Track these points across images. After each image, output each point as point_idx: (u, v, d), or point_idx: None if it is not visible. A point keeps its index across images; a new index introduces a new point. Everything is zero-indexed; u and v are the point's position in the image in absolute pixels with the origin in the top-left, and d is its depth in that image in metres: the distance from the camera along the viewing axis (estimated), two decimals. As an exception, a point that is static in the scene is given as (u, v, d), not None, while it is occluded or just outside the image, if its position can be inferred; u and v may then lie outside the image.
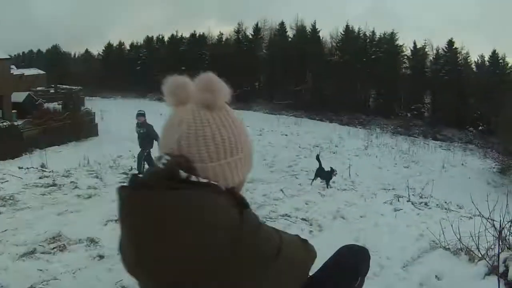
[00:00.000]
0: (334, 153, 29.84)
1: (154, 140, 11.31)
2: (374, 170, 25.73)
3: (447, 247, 5.46)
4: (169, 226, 1.18)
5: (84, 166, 16.01)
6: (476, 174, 29.94)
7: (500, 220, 4.99)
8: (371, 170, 25.29)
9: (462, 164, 31.95)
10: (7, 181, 8.39)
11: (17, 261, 4.49)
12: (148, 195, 1.24)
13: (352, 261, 1.95)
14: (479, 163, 33.60)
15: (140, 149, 12.25)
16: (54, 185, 8.23)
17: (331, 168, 15.01)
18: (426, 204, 12.00)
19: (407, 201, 11.89)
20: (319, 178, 14.83)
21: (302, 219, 7.39)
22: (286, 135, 36.24)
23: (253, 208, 4.44)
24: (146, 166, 11.67)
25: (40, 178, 8.89)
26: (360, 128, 45.17)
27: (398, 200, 11.43)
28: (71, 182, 8.38)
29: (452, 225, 5.84)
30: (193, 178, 1.26)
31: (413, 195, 14.87)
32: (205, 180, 1.28)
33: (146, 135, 11.79)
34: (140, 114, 12.33)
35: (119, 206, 1.39)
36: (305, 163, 26.02)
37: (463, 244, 5.25)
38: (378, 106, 55.28)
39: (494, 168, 31.88)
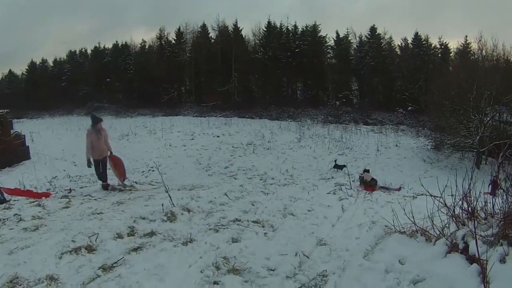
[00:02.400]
0: (267, 149, 29.90)
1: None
2: (310, 161, 26.03)
3: (402, 230, 5.44)
4: None
5: None
6: (411, 153, 30.72)
7: (453, 199, 5.01)
8: (307, 162, 25.58)
9: (396, 145, 32.65)
10: None
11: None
12: None
13: None
14: (413, 142, 34.38)
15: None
16: None
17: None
18: None
19: (349, 189, 11.89)
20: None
21: (254, 221, 7.33)
22: (218, 136, 35.96)
23: (202, 217, 5.81)
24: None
25: None
26: (290, 121, 45.24)
27: (341, 189, 11.40)
28: (14, 214, 7.73)
29: (404, 208, 5.72)
30: None
31: (353, 181, 14.99)
32: None
33: None
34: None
35: None
36: (241, 162, 25.97)
37: (417, 226, 5.23)
38: (306, 98, 55.55)
39: (428, 145, 32.71)
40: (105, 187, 11.91)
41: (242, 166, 24.18)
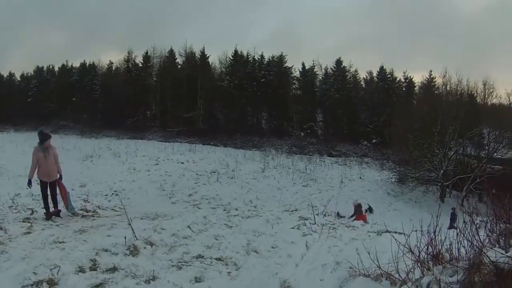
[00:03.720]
0: (231, 178, 29.94)
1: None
2: (274, 191, 26.09)
3: (367, 273, 5.35)
4: None
5: None
6: (375, 186, 31.08)
7: (417, 242, 4.95)
8: (271, 192, 25.62)
9: (360, 178, 33.05)
10: None
11: None
12: None
13: None
14: (377, 175, 34.88)
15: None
16: None
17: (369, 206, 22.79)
18: (332, 224, 12.02)
19: (313, 224, 11.87)
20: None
21: (217, 259, 7.22)
22: (182, 162, 35.89)
23: (165, 251, 5.90)
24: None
25: None
26: (255, 150, 45.49)
27: (305, 225, 11.40)
28: None
29: (368, 249, 5.73)
30: None
31: (317, 214, 14.97)
32: None
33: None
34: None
35: None
36: (204, 190, 25.87)
37: (382, 269, 5.11)
38: (271, 128, 55.75)
39: (392, 178, 33.07)
40: (49, 216, 10.80)
41: (206, 195, 24.13)
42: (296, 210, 18.66)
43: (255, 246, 8.15)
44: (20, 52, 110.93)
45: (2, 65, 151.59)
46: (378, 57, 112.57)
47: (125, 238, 7.13)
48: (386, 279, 5.00)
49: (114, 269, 5.99)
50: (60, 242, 7.39)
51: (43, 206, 11.21)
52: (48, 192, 11.10)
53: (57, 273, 5.48)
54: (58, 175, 11.31)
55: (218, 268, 6.69)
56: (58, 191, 11.37)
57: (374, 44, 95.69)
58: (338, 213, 20.20)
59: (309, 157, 41.42)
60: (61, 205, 11.77)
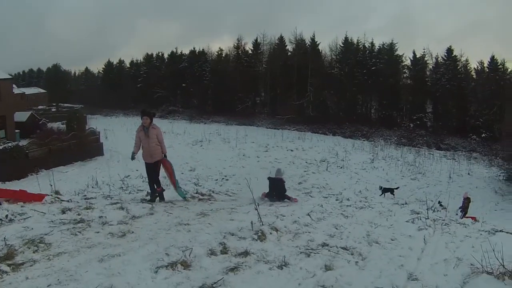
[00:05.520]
0: (341, 167, 30.01)
1: None
2: (383, 183, 25.60)
3: (490, 271, 5.40)
4: None
5: (93, 187, 16.02)
6: (483, 183, 30.02)
7: None
8: (380, 184, 25.18)
9: (469, 174, 32.04)
10: (30, 216, 7.39)
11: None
12: None
13: None
14: (485, 172, 33.59)
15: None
16: (81, 221, 7.35)
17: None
18: (443, 220, 12.07)
19: (426, 218, 12.00)
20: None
21: (342, 248, 7.06)
22: (291, 150, 36.34)
23: (290, 238, 6.30)
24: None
25: (63, 213, 7.91)
26: (364, 140, 45.38)
27: (420, 219, 11.55)
28: (99, 217, 7.64)
29: (481, 246, 5.98)
30: None
31: (426, 209, 14.92)
32: None
33: None
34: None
35: None
36: (314, 179, 26.00)
37: (506, 268, 5.22)
38: (380, 118, 55.17)
39: (500, 176, 31.68)
40: (154, 197, 10.82)
41: (316, 184, 24.17)
42: (406, 203, 18.49)
43: (375, 237, 8.08)
44: (130, 41, 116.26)
45: (113, 53, 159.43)
46: (491, 46, 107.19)
47: (251, 223, 7.17)
48: (509, 278, 5.08)
49: (246, 253, 5.90)
50: (185, 224, 7.54)
51: (150, 187, 11.14)
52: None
53: (189, 255, 5.51)
54: (163, 155, 10.98)
55: (345, 257, 6.47)
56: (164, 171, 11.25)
57: (487, 31, 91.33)
58: (440, 202, 19.78)
59: (417, 150, 40.79)
60: (168, 187, 12.41)
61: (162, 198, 10.97)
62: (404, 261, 6.55)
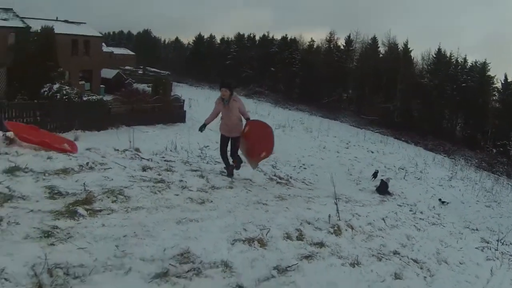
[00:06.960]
0: (418, 179, 29.86)
1: None
2: (457, 204, 25.78)
3: None
4: None
5: (171, 151, 16.71)
6: None
7: None
8: (454, 204, 24.97)
9: (545, 212, 31.06)
10: (110, 168, 7.56)
11: (149, 282, 3.87)
12: None
13: None
14: None
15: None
16: (161, 181, 7.51)
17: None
18: (510, 255, 12.09)
19: (495, 250, 12.12)
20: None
21: (413, 260, 7.28)
22: (372, 152, 36.49)
23: (363, 239, 6.86)
24: None
25: (143, 170, 8.16)
26: (444, 156, 44.60)
27: (490, 249, 11.69)
28: (180, 180, 7.82)
29: None
30: None
31: (496, 240, 14.92)
32: None
33: None
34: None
35: None
36: (390, 185, 26.27)
37: None
38: (464, 137, 54.22)
39: None
40: (230, 171, 10.28)
41: (393, 190, 24.29)
42: (476, 229, 18.39)
43: (445, 256, 8.25)
44: (223, 17, 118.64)
45: (204, 27, 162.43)
46: None
47: (329, 216, 7.25)
48: None
49: (321, 244, 5.99)
50: (264, 204, 7.63)
51: (223, 160, 10.63)
52: (229, 148, 10.35)
53: (266, 234, 5.64)
54: (243, 125, 10.04)
55: (414, 269, 6.71)
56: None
57: None
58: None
59: (496, 177, 39.62)
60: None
61: (231, 174, 10.29)
62: (469, 287, 6.88)
